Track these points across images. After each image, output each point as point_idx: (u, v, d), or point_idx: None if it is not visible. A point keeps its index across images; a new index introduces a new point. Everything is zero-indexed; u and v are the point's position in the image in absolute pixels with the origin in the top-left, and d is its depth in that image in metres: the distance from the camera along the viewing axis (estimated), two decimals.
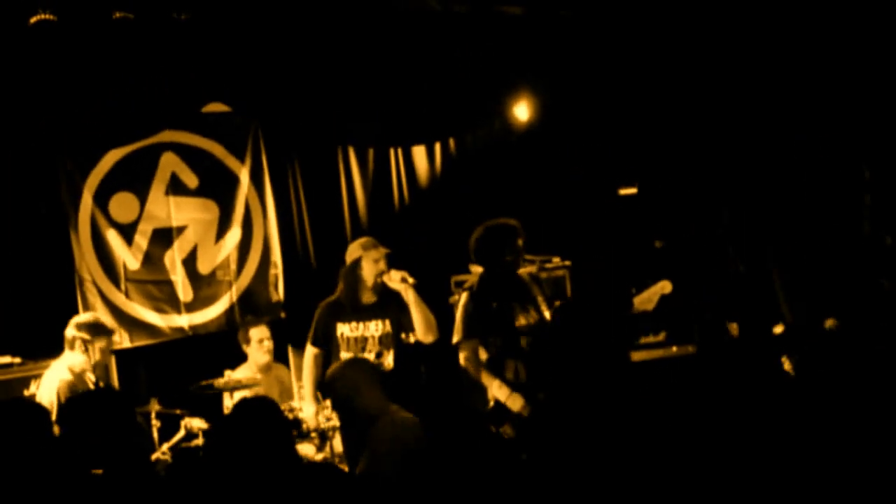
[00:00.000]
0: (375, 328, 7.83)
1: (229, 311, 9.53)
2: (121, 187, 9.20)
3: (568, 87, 9.87)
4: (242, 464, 4.98)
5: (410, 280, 7.77)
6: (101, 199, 9.12)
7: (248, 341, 8.69)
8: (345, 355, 7.79)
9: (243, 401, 5.40)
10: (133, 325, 9.13)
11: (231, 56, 8.51)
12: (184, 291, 9.36)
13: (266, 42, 8.55)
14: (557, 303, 8.44)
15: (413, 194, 10.39)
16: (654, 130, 10.27)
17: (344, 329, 7.85)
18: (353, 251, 7.93)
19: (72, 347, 7.60)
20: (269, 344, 8.69)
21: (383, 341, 7.83)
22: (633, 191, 10.46)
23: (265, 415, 5.18)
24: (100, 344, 7.64)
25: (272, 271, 9.78)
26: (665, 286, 7.96)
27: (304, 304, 9.57)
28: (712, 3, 9.37)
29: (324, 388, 7.58)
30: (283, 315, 9.69)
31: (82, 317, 7.88)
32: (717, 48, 9.72)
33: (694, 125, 10.17)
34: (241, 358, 8.73)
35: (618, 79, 9.95)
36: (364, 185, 10.23)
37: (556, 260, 9.64)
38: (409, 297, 7.76)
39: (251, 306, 9.55)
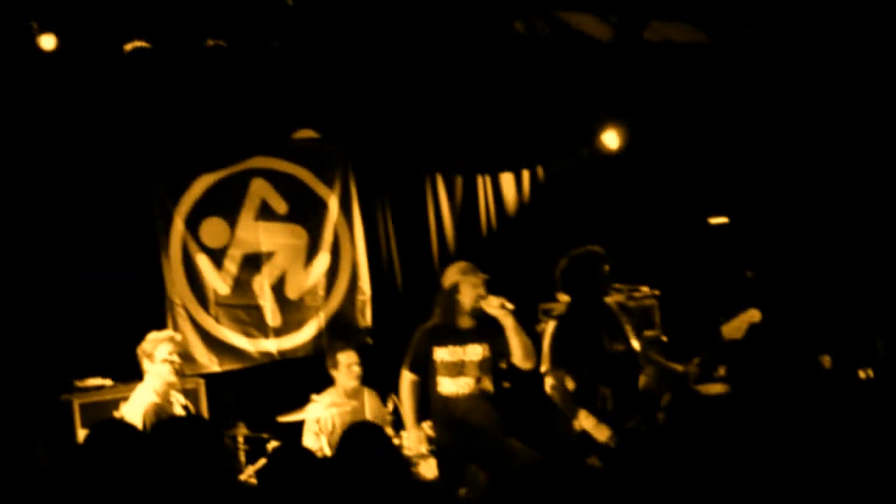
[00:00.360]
0: (474, 353, 7.75)
1: (317, 337, 9.57)
2: (211, 213, 9.32)
3: (657, 114, 9.80)
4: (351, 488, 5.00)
5: (509, 306, 7.70)
6: (192, 224, 9.24)
7: (336, 366, 8.71)
8: (442, 380, 7.75)
9: (351, 427, 5.43)
10: (222, 349, 9.21)
11: (321, 83, 8.58)
12: (272, 316, 9.43)
13: (355, 70, 8.61)
14: (646, 332, 8.40)
15: (500, 221, 10.38)
16: (746, 158, 10.15)
17: (442, 353, 7.74)
18: (452, 276, 7.82)
19: (148, 370, 7.68)
20: (357, 369, 8.69)
21: (482, 366, 7.75)
22: (723, 220, 10.36)
23: (372, 440, 5.20)
24: (165, 352, 7.68)
25: (360, 297, 9.81)
26: (754, 315, 7.88)
27: (392, 331, 9.62)
28: (802, 27, 9.26)
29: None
30: (370, 341, 9.71)
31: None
32: (813, 74, 9.60)
33: (787, 154, 10.03)
34: (328, 382, 8.75)
35: (709, 105, 9.86)
36: (452, 213, 10.25)
37: (645, 289, 9.55)
38: (508, 323, 7.67)
39: (339, 332, 9.58)
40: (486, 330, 7.75)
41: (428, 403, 7.84)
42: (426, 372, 7.83)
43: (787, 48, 9.55)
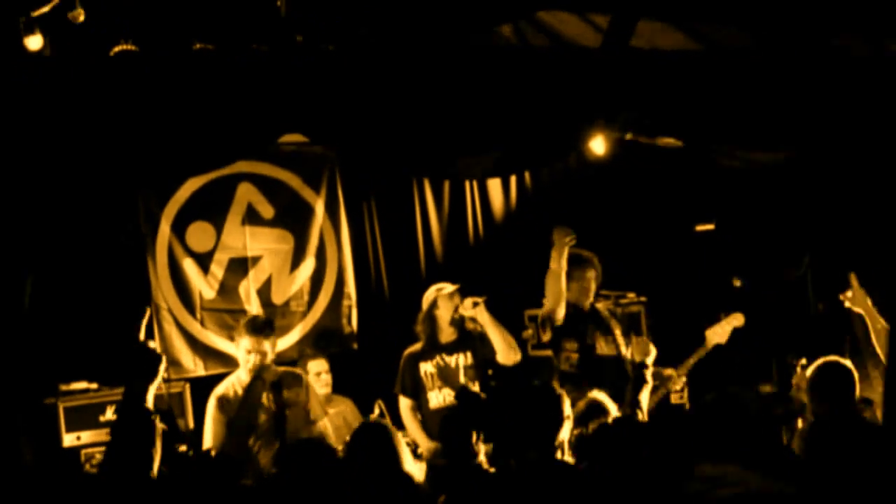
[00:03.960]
0: (457, 361, 7.91)
1: (302, 342, 9.56)
2: (198, 217, 9.34)
3: (645, 122, 9.80)
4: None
5: (479, 300, 7.87)
6: (179, 228, 9.24)
7: (306, 374, 8.70)
8: (430, 395, 8.03)
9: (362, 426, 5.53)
10: (207, 353, 9.21)
11: (309, 88, 8.55)
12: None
13: (343, 74, 8.59)
14: (634, 337, 8.44)
15: (488, 228, 10.39)
16: (732, 165, 10.17)
17: (427, 367, 8.05)
18: (429, 295, 8.16)
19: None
20: (326, 378, 8.70)
21: (467, 372, 7.91)
22: (710, 227, 10.37)
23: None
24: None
25: (346, 303, 9.80)
26: (738, 319, 7.93)
27: (378, 336, 9.61)
28: (790, 35, 9.27)
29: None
30: (355, 347, 9.70)
31: None
32: (799, 81, 9.61)
33: (773, 160, 10.04)
34: None
35: (696, 113, 9.86)
36: (439, 219, 10.25)
37: (632, 295, 9.58)
38: (483, 318, 7.88)
39: (324, 337, 9.58)
40: (468, 338, 8.09)
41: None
42: (418, 392, 7.96)
43: (776, 56, 9.57)
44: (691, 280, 10.15)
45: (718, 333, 8.16)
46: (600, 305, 8.24)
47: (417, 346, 8.17)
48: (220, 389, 7.60)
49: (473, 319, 8.04)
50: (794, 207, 10.08)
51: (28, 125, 7.98)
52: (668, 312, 9.71)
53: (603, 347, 7.89)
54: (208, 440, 7.39)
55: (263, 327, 7.61)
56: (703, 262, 10.21)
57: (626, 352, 7.96)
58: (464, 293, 8.11)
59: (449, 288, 8.07)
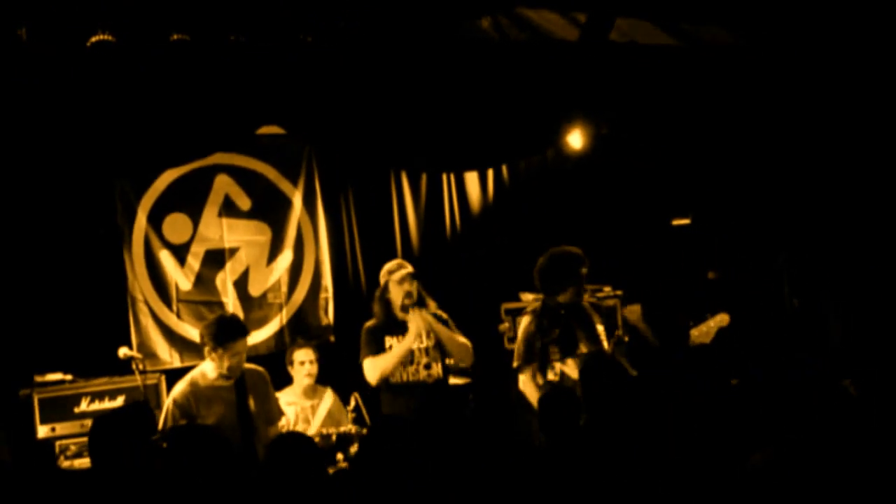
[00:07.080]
0: (418, 341, 7.82)
1: (279, 334, 9.56)
2: (174, 208, 9.30)
3: (623, 116, 9.83)
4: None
5: (436, 319, 7.79)
6: (155, 219, 9.21)
7: (291, 363, 8.69)
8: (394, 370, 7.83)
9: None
10: (184, 345, 9.18)
11: (287, 79, 8.54)
12: (234, 313, 9.38)
13: (321, 66, 8.58)
14: (618, 332, 8.46)
15: (465, 221, 10.37)
16: (709, 160, 10.20)
17: (392, 342, 7.86)
18: (382, 276, 7.97)
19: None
20: (310, 368, 8.64)
21: (429, 352, 7.83)
22: (686, 221, 10.40)
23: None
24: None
25: (323, 295, 9.79)
26: (723, 319, 7.95)
27: (355, 329, 9.60)
28: (768, 33, 9.31)
29: None
30: (332, 338, 9.69)
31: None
32: (777, 78, 9.66)
33: (750, 155, 10.09)
34: (290, 379, 8.73)
35: (673, 108, 9.90)
36: (416, 212, 10.24)
37: (608, 289, 9.58)
38: (440, 333, 7.80)
39: (301, 329, 9.57)
40: None
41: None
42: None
43: (753, 51, 9.61)
44: (667, 274, 10.17)
45: (703, 333, 8.17)
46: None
47: (375, 324, 7.95)
48: (181, 387, 7.32)
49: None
50: (771, 202, 10.13)
51: (3, 114, 7.95)
52: (644, 306, 9.71)
53: (584, 346, 7.84)
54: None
55: (243, 326, 7.51)
56: (680, 257, 10.24)
57: (609, 346, 7.96)
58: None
59: (399, 273, 7.88)
